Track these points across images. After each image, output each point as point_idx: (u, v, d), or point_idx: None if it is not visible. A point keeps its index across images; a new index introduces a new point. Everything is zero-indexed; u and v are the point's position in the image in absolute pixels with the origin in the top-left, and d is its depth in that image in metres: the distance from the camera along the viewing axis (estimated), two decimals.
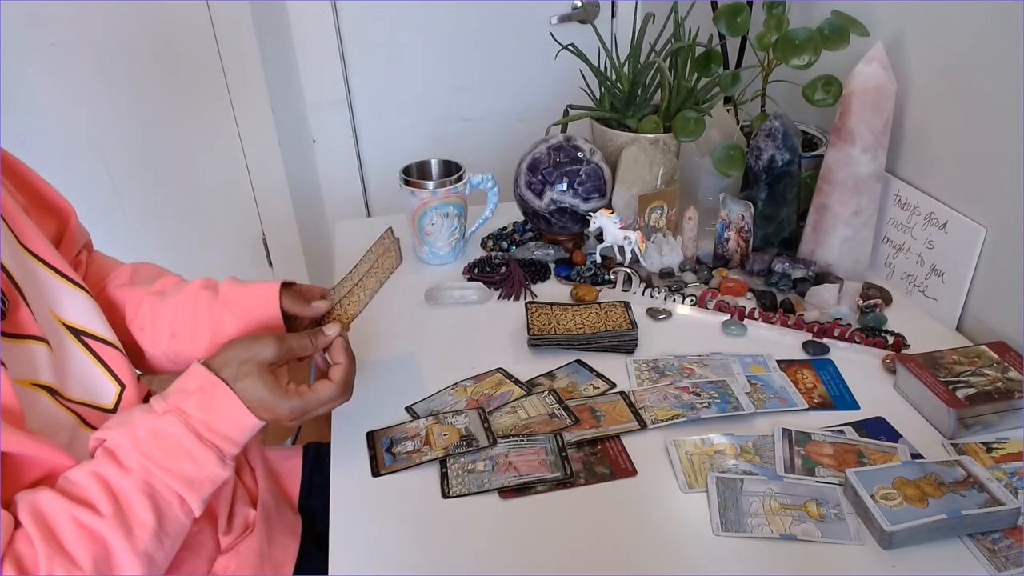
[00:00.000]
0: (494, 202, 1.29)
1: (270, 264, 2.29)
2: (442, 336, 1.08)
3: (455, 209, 1.22)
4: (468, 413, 0.91)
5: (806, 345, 1.04)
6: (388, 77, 2.12)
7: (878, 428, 0.89)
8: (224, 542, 0.86)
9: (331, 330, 0.79)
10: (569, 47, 1.31)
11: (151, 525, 0.66)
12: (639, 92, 1.30)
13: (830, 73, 1.15)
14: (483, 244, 1.33)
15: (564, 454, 0.85)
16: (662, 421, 0.90)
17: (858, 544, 0.74)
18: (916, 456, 0.84)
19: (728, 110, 1.34)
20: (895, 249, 1.15)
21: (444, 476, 0.83)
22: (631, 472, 0.84)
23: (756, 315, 1.08)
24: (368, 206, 2.25)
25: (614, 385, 0.97)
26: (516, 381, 0.98)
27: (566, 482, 0.83)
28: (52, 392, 0.70)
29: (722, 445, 0.87)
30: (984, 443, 0.86)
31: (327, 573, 0.75)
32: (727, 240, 1.20)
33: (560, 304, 1.10)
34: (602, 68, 1.32)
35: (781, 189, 1.18)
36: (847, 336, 1.03)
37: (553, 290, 1.18)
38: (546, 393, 0.95)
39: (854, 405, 0.93)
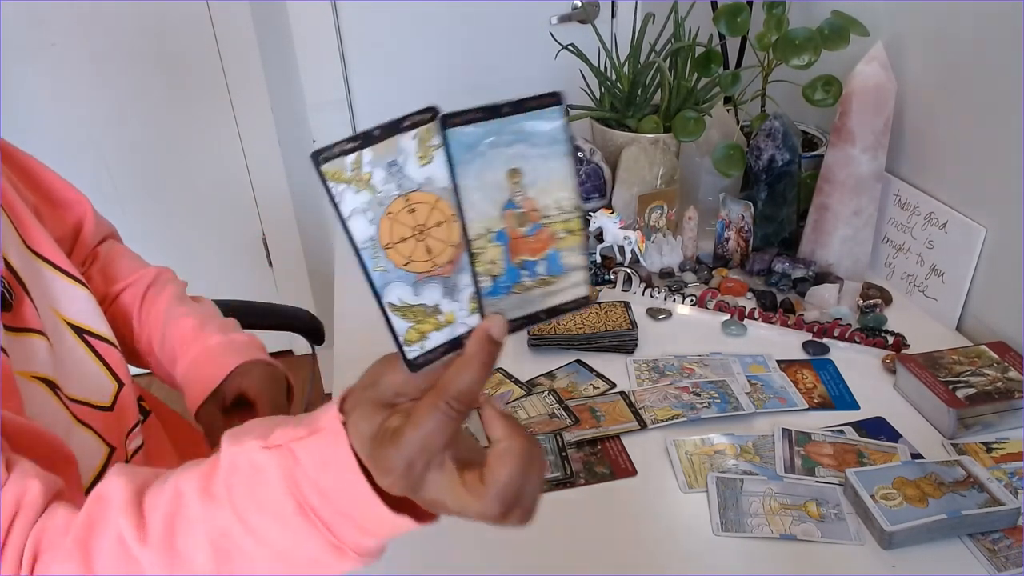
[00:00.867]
0: None
1: (270, 264, 2.29)
2: None
3: None
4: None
5: (806, 345, 1.04)
6: (388, 77, 2.12)
7: (878, 428, 0.89)
8: None
9: (490, 324, 0.44)
10: (569, 47, 1.31)
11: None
12: (639, 92, 1.30)
13: (830, 73, 1.15)
14: None
15: (564, 454, 0.85)
16: (662, 421, 0.90)
17: (858, 544, 0.74)
18: (916, 456, 0.84)
19: (728, 110, 1.34)
20: (895, 249, 1.15)
21: None
22: (631, 472, 0.84)
23: (756, 315, 1.08)
24: None
25: (614, 385, 0.97)
26: (516, 381, 0.98)
27: (566, 482, 0.83)
28: (52, 386, 0.70)
29: (722, 445, 0.87)
30: (984, 443, 0.86)
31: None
32: (727, 240, 1.20)
33: None
34: (602, 68, 1.32)
35: (781, 189, 1.18)
36: (847, 336, 1.03)
37: None
38: (546, 393, 0.95)
39: (854, 405, 0.93)
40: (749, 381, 0.97)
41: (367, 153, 0.40)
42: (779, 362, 1.01)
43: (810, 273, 1.14)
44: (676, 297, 1.13)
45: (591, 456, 0.86)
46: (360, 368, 0.46)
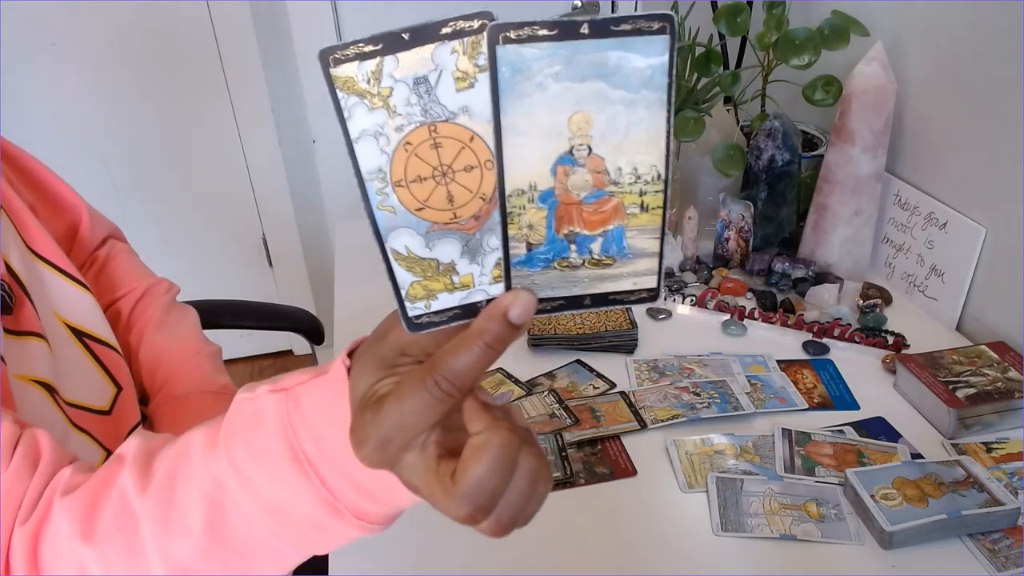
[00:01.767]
0: None
1: (270, 264, 2.29)
2: None
3: None
4: None
5: (806, 345, 1.04)
6: None
7: (878, 428, 0.89)
8: None
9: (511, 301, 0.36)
10: None
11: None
12: None
13: (830, 73, 1.15)
14: None
15: (564, 454, 0.85)
16: (662, 421, 0.90)
17: (858, 544, 0.74)
18: (916, 456, 0.84)
19: (728, 110, 1.34)
20: (895, 249, 1.15)
21: None
22: (631, 472, 0.84)
23: (756, 315, 1.08)
24: None
25: (614, 385, 0.97)
26: (516, 381, 0.98)
27: (566, 482, 0.83)
28: (50, 390, 0.70)
29: (722, 445, 0.87)
30: (984, 443, 0.86)
31: (327, 573, 0.75)
32: (727, 240, 1.20)
33: None
34: None
35: (781, 189, 1.18)
36: (847, 336, 1.03)
37: None
38: (546, 393, 0.95)
39: (854, 405, 0.93)
40: (749, 381, 0.97)
41: (390, 62, 0.32)
42: (779, 362, 1.01)
43: (810, 273, 1.14)
44: (676, 297, 1.13)
45: (591, 456, 0.86)
46: None
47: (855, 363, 1.00)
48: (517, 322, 0.35)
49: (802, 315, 1.08)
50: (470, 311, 0.36)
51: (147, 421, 0.86)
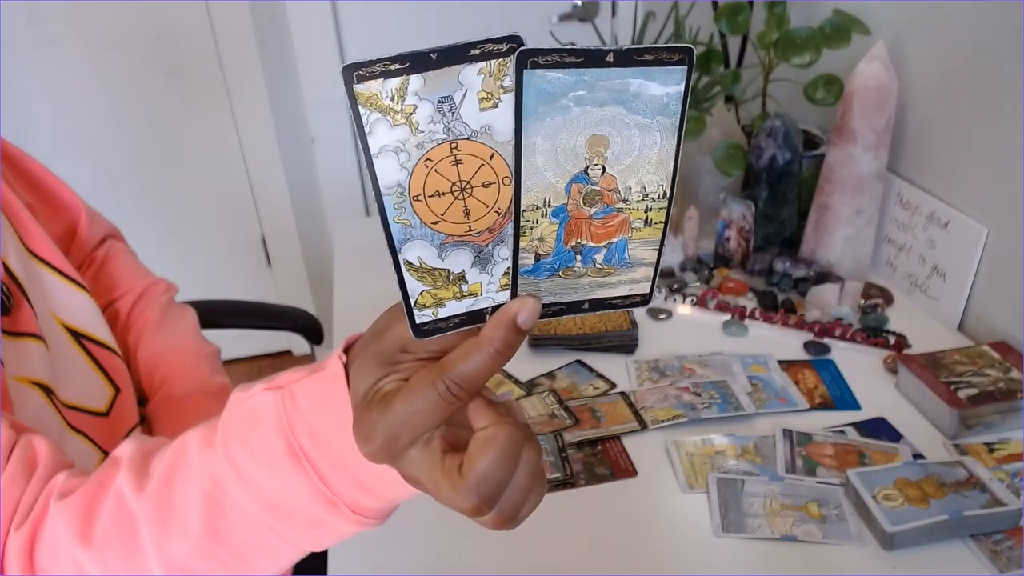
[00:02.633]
0: None
1: (269, 264, 2.29)
2: None
3: None
4: None
5: (807, 345, 1.04)
6: None
7: (879, 428, 0.89)
8: None
9: (519, 307, 0.37)
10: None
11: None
12: None
13: (831, 72, 1.15)
14: None
15: (564, 455, 0.85)
16: (663, 421, 0.90)
17: (859, 545, 0.74)
18: (918, 457, 0.84)
19: (729, 109, 1.34)
20: (897, 249, 1.15)
21: None
22: (631, 473, 0.84)
23: (757, 315, 1.08)
24: (367, 206, 2.25)
25: (614, 385, 0.97)
26: (516, 381, 0.97)
27: (566, 483, 0.82)
28: (47, 391, 0.69)
29: (723, 446, 0.86)
30: (986, 443, 0.85)
31: (327, 573, 0.74)
32: (728, 240, 1.20)
33: None
34: None
35: (782, 188, 1.18)
36: (848, 336, 1.02)
37: None
38: (546, 393, 0.95)
39: (855, 405, 0.93)
40: (750, 381, 0.96)
41: (415, 80, 0.32)
42: (780, 362, 1.00)
43: (811, 273, 1.13)
44: (677, 297, 1.12)
45: (591, 457, 0.86)
46: None
47: (856, 363, 1.00)
48: (525, 327, 0.36)
49: (803, 315, 1.07)
50: (476, 317, 0.37)
51: (145, 422, 0.86)
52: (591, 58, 0.32)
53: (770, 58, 1.22)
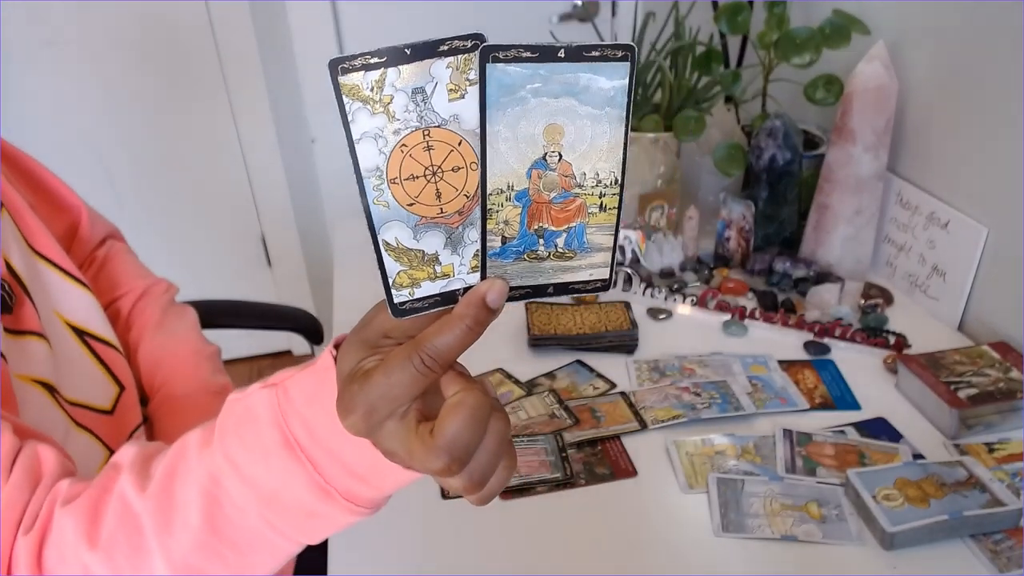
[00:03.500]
0: None
1: (269, 264, 2.29)
2: None
3: None
4: None
5: (807, 345, 1.04)
6: None
7: (879, 428, 0.89)
8: None
9: (487, 288, 0.40)
10: None
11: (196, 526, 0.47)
12: (639, 91, 1.30)
13: (831, 72, 1.15)
14: None
15: (564, 454, 0.85)
16: (663, 421, 0.90)
17: (859, 545, 0.74)
18: (918, 456, 0.84)
19: (729, 109, 1.34)
20: (896, 249, 1.15)
21: None
22: (631, 473, 0.84)
23: (757, 315, 1.08)
24: None
25: (614, 385, 0.97)
26: (516, 381, 0.97)
27: (566, 483, 0.82)
28: (50, 390, 0.70)
29: (723, 446, 0.86)
30: (986, 443, 0.85)
31: (326, 573, 0.74)
32: (728, 240, 1.20)
33: (560, 304, 1.09)
34: None
35: (782, 188, 1.18)
36: (848, 336, 1.02)
37: None
38: (546, 393, 0.95)
39: (855, 405, 0.93)
40: (750, 381, 0.96)
41: (392, 73, 0.36)
42: (780, 362, 1.00)
43: (811, 273, 1.13)
44: (677, 297, 1.12)
45: (591, 457, 0.86)
46: None
47: (856, 363, 1.00)
48: (493, 307, 0.39)
49: (803, 315, 1.07)
50: (449, 298, 0.41)
51: (147, 421, 0.86)
52: (545, 54, 0.36)
53: (770, 58, 1.22)
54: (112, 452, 0.75)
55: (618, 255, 1.17)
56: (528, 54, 0.35)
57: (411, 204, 0.38)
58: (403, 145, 0.37)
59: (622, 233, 1.15)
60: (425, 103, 0.37)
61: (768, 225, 1.21)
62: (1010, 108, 0.94)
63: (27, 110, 1.93)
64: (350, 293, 1.19)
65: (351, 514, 0.45)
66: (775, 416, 0.91)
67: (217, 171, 2.13)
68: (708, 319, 1.10)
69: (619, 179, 0.40)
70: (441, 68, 0.36)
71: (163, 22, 1.91)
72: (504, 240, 0.40)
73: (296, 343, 2.44)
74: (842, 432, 0.88)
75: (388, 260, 0.39)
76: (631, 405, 0.93)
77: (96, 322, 0.78)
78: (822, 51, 1.13)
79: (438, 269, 0.40)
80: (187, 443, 0.48)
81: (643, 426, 0.89)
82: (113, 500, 0.49)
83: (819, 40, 1.13)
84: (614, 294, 1.15)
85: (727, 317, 1.09)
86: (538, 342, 1.03)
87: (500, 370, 0.99)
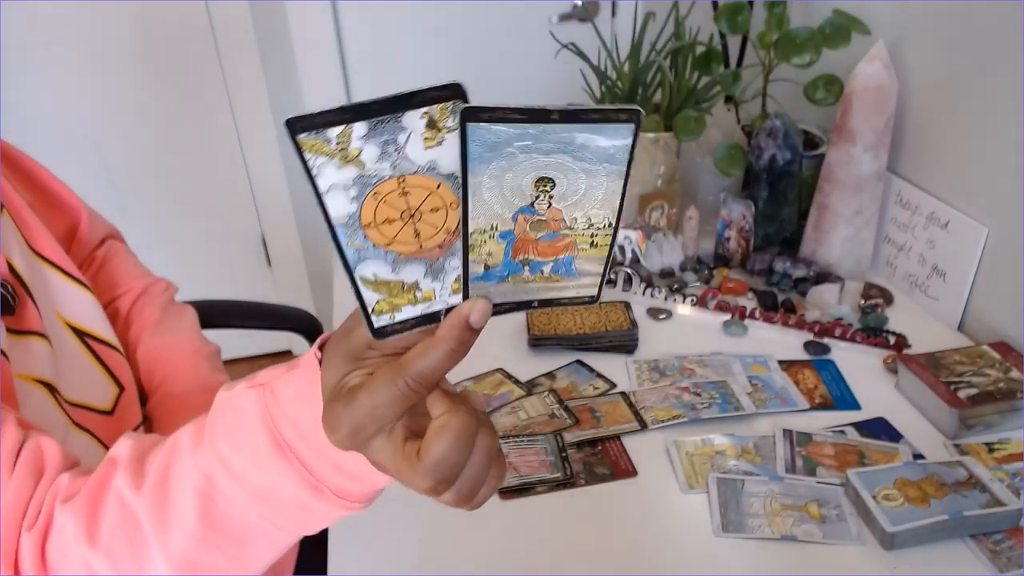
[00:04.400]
0: None
1: (269, 264, 2.29)
2: None
3: None
4: None
5: (807, 345, 1.04)
6: (388, 76, 2.12)
7: (879, 428, 0.89)
8: None
9: (470, 308, 0.39)
10: (569, 46, 1.31)
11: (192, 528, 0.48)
12: (639, 91, 1.30)
13: (831, 72, 1.15)
14: None
15: (564, 454, 0.85)
16: (663, 421, 0.90)
17: (859, 545, 0.74)
18: (918, 457, 0.84)
19: (729, 109, 1.34)
20: (896, 249, 1.15)
21: None
22: (631, 473, 0.84)
23: (757, 315, 1.08)
24: None
25: (614, 385, 0.97)
26: (516, 381, 0.97)
27: (566, 483, 0.82)
28: (51, 389, 0.70)
29: (723, 446, 0.86)
30: (986, 443, 0.85)
31: (326, 573, 0.74)
32: (728, 239, 1.20)
33: None
34: (602, 67, 1.31)
35: (782, 188, 1.18)
36: (848, 336, 1.02)
37: None
38: (546, 393, 0.95)
39: (855, 405, 0.93)
40: (750, 381, 0.96)
41: (359, 127, 0.33)
42: (780, 362, 1.00)
43: (811, 273, 1.13)
44: (677, 297, 1.12)
45: (591, 457, 0.86)
46: None
47: (856, 363, 1.00)
48: (476, 327, 0.39)
49: (803, 315, 1.07)
50: (431, 318, 0.40)
51: (147, 420, 0.86)
52: (534, 115, 0.32)
53: (770, 58, 1.22)
54: None
55: (618, 255, 1.18)
56: (516, 116, 0.32)
57: (388, 244, 0.37)
58: (376, 193, 0.35)
59: (622, 233, 1.16)
60: (398, 152, 0.34)
61: (768, 225, 1.21)
62: (1010, 108, 0.94)
63: (27, 110, 1.93)
64: (350, 293, 1.19)
65: (343, 508, 0.46)
66: (775, 416, 0.91)
67: (217, 171, 2.13)
68: (708, 319, 1.10)
69: (613, 223, 0.38)
70: (415, 118, 0.33)
71: (163, 22, 1.91)
72: (487, 267, 0.38)
73: (296, 343, 2.44)
74: (842, 432, 0.88)
75: (366, 292, 0.38)
76: (631, 405, 0.93)
77: (96, 323, 0.78)
78: (822, 51, 1.13)
79: (419, 295, 0.39)
80: (179, 441, 0.49)
81: (643, 426, 0.89)
82: (110, 498, 0.50)
83: (819, 40, 1.13)
84: (614, 294, 1.15)
85: (727, 317, 1.09)
86: (538, 342, 1.03)
87: (500, 370, 0.99)
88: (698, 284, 1.17)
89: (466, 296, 0.39)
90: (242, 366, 2.37)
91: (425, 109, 0.33)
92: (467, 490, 0.41)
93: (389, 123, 0.33)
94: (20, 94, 1.91)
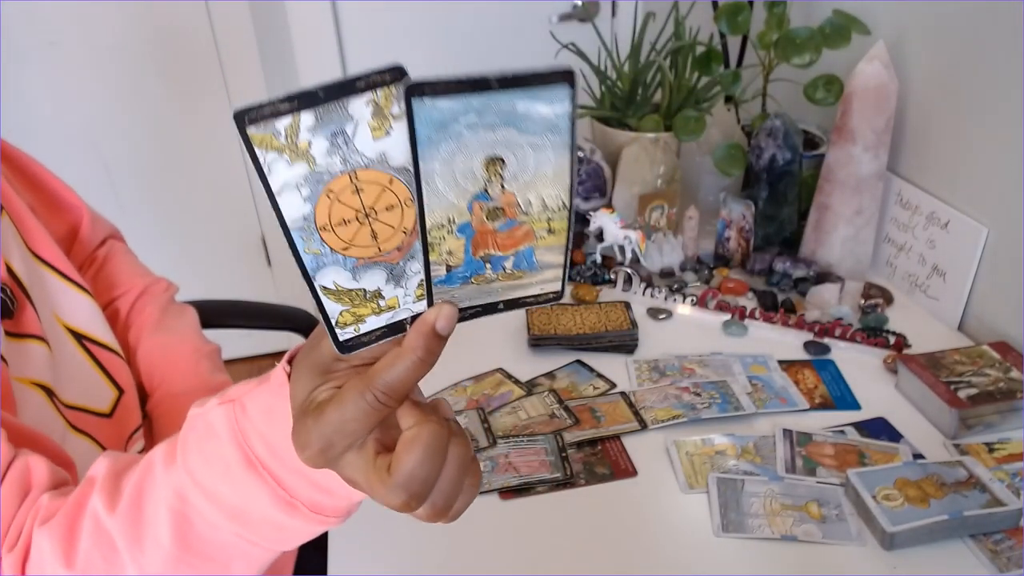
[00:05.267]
0: None
1: (269, 264, 2.29)
2: None
3: None
4: (468, 413, 0.91)
5: (807, 345, 1.04)
6: None
7: (879, 428, 0.89)
8: None
9: (436, 315, 0.38)
10: (569, 46, 1.31)
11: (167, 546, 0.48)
12: (640, 91, 1.30)
13: (831, 72, 1.15)
14: None
15: (564, 454, 0.85)
16: (662, 421, 0.90)
17: (859, 545, 0.74)
18: (918, 456, 0.84)
19: (729, 109, 1.34)
20: (896, 249, 1.15)
21: None
22: (631, 473, 0.84)
23: (757, 315, 1.08)
24: None
25: (614, 385, 0.97)
26: (516, 381, 0.97)
27: (566, 482, 0.82)
28: (49, 393, 0.70)
29: (723, 445, 0.86)
30: (986, 443, 0.85)
31: (326, 573, 0.74)
32: (728, 239, 1.20)
33: (560, 304, 1.09)
34: (602, 67, 1.31)
35: (782, 188, 1.18)
36: (848, 336, 1.02)
37: None
38: (546, 393, 0.95)
39: (855, 405, 0.93)
40: (750, 381, 0.96)
41: (306, 117, 0.33)
42: (780, 362, 1.00)
43: (811, 273, 1.13)
44: (677, 297, 1.12)
45: (591, 456, 0.86)
46: None
47: (856, 363, 1.00)
48: (443, 334, 0.38)
49: (803, 315, 1.07)
50: (397, 328, 0.39)
51: (147, 419, 0.86)
52: (476, 85, 0.33)
53: (770, 58, 1.22)
54: None
55: (618, 255, 1.18)
56: (460, 87, 0.33)
57: (346, 248, 0.36)
58: (329, 191, 0.34)
59: (623, 233, 1.16)
60: (348, 145, 0.34)
61: (768, 225, 1.21)
62: (1010, 108, 0.94)
63: (27, 110, 1.93)
64: None
65: (319, 524, 0.45)
66: (775, 416, 0.91)
67: (217, 171, 2.13)
68: (708, 319, 1.10)
69: (567, 203, 0.38)
70: (360, 106, 0.33)
71: (163, 22, 1.91)
72: (449, 268, 0.37)
73: (296, 343, 2.43)
74: (842, 432, 0.88)
75: (328, 303, 0.37)
76: (631, 405, 0.93)
77: (95, 326, 0.78)
78: (822, 51, 1.13)
79: (382, 303, 0.38)
80: (153, 459, 0.48)
81: (643, 426, 0.89)
82: (86, 519, 0.49)
83: (819, 40, 1.13)
84: (614, 294, 1.15)
85: (727, 317, 1.09)
86: (538, 342, 1.03)
87: (500, 370, 0.99)
88: (698, 284, 1.17)
89: (431, 302, 0.38)
90: (242, 366, 2.37)
91: (370, 96, 0.33)
92: (441, 504, 0.39)
93: (336, 113, 0.33)
94: (20, 94, 1.91)
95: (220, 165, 2.12)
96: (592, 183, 1.20)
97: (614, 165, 1.26)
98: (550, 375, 0.99)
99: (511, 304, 0.40)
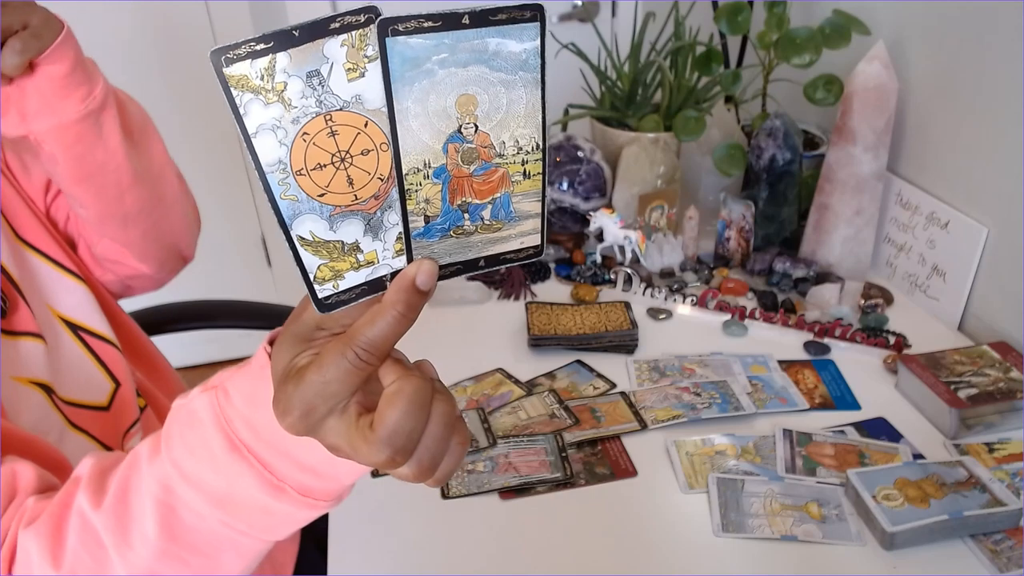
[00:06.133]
0: None
1: (269, 264, 2.29)
2: (441, 336, 1.08)
3: None
4: (468, 414, 0.91)
5: (807, 345, 1.04)
6: None
7: (879, 428, 0.89)
8: None
9: (416, 270, 0.38)
10: (569, 46, 1.31)
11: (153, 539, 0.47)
12: (640, 91, 1.30)
13: (831, 72, 1.15)
14: None
15: (564, 455, 0.85)
16: (662, 421, 0.90)
17: (859, 545, 0.74)
18: (918, 456, 0.84)
19: (729, 109, 1.34)
20: (896, 249, 1.15)
21: None
22: (631, 473, 0.84)
23: (757, 315, 1.08)
24: None
25: (614, 385, 0.97)
26: (516, 381, 0.97)
27: (566, 483, 0.82)
28: (47, 390, 0.69)
29: (723, 446, 0.86)
30: (986, 443, 0.85)
31: (326, 573, 0.74)
32: (728, 240, 1.20)
33: (560, 304, 1.09)
34: (602, 67, 1.31)
35: (782, 188, 1.18)
36: (848, 336, 1.02)
37: (553, 290, 1.18)
38: (546, 393, 0.95)
39: (855, 405, 0.93)
40: (750, 381, 0.96)
41: (282, 58, 0.33)
42: (780, 362, 1.00)
43: (811, 273, 1.13)
44: (677, 297, 1.12)
45: (591, 457, 0.86)
46: None
47: (856, 363, 1.00)
48: (424, 288, 0.37)
49: (803, 315, 1.07)
50: (376, 286, 0.39)
51: (144, 412, 0.86)
52: (448, 21, 0.33)
53: (770, 58, 1.22)
54: (109, 450, 0.75)
55: (618, 255, 1.18)
56: (430, 23, 0.33)
57: (322, 195, 0.36)
58: (304, 133, 0.35)
59: (623, 233, 1.16)
60: (323, 86, 0.34)
61: (768, 225, 1.21)
62: (1010, 108, 0.94)
63: None
64: None
65: (310, 508, 0.44)
66: (775, 416, 0.91)
67: (217, 171, 2.13)
68: (708, 319, 1.10)
69: (540, 144, 0.38)
70: (335, 47, 0.33)
71: (163, 22, 1.91)
72: (427, 219, 0.37)
73: None
74: (842, 432, 0.88)
75: (306, 255, 0.37)
76: (631, 405, 0.93)
77: (90, 316, 0.78)
78: (822, 51, 1.13)
79: (360, 258, 0.38)
80: (139, 453, 0.48)
81: (643, 426, 0.89)
82: (73, 518, 0.49)
83: (819, 40, 1.13)
84: (614, 294, 1.15)
85: (727, 317, 1.09)
86: (538, 342, 1.03)
87: (500, 370, 0.99)
88: (698, 284, 1.17)
89: (410, 258, 0.38)
90: None
91: (344, 37, 0.33)
92: (427, 461, 0.38)
93: (311, 54, 0.33)
94: None
95: (220, 165, 2.12)
96: (592, 183, 1.20)
97: (614, 165, 1.26)
98: (550, 375, 0.99)
99: (492, 260, 0.40)
